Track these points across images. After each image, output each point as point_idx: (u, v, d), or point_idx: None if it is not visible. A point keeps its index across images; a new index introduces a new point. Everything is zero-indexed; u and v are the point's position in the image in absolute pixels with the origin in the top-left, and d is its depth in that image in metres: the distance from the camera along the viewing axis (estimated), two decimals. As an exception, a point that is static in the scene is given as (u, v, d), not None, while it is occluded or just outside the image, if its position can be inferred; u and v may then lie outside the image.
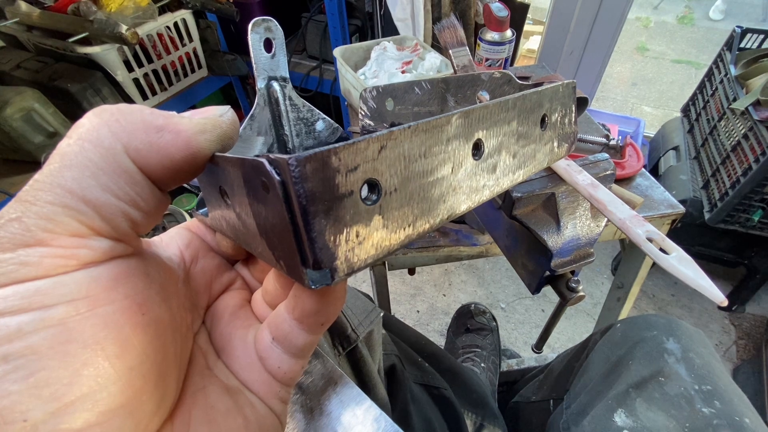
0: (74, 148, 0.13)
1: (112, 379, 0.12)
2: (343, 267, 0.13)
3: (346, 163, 0.12)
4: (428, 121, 0.14)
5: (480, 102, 0.23)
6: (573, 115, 0.21)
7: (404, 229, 0.15)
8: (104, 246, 0.13)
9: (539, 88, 0.19)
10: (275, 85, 0.24)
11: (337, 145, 0.12)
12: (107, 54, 1.06)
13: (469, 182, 0.17)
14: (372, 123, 0.29)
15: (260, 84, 0.23)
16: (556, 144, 0.21)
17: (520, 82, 0.22)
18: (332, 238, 0.13)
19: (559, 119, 0.21)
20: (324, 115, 0.26)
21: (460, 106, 0.25)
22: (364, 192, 0.13)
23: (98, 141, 0.13)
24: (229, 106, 0.16)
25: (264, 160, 0.12)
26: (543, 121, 0.20)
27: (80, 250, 0.13)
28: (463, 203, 0.17)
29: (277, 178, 0.12)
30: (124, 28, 0.97)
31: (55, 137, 1.00)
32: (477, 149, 0.17)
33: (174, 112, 0.15)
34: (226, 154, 0.14)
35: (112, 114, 0.14)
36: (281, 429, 0.19)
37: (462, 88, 0.24)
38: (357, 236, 0.13)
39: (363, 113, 0.29)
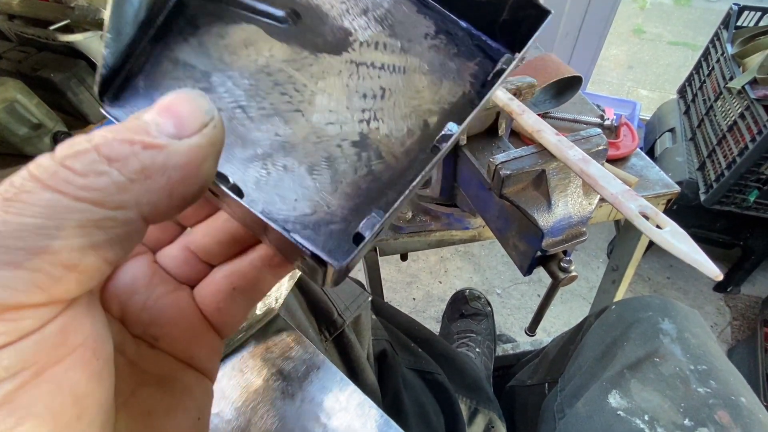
0: (69, 204, 0.10)
1: None
2: (351, 271, 0.15)
3: (377, 230, 0.14)
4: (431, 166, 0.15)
5: None
6: None
7: (387, 227, 0.16)
8: (56, 311, 0.11)
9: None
10: None
11: (376, 228, 0.13)
12: (90, 42, 1.03)
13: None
14: None
15: None
16: None
17: None
18: (351, 268, 0.14)
19: None
20: None
21: None
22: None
23: (103, 200, 0.11)
24: (208, 100, 0.13)
25: (309, 254, 0.13)
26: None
27: (25, 322, 0.10)
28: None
29: (322, 268, 0.13)
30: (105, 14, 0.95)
31: (39, 128, 0.98)
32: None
33: (150, 123, 0.12)
34: (248, 207, 0.13)
35: (104, 167, 0.11)
36: (212, 391, 0.18)
37: None
38: (363, 250, 0.15)
39: None
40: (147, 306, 0.17)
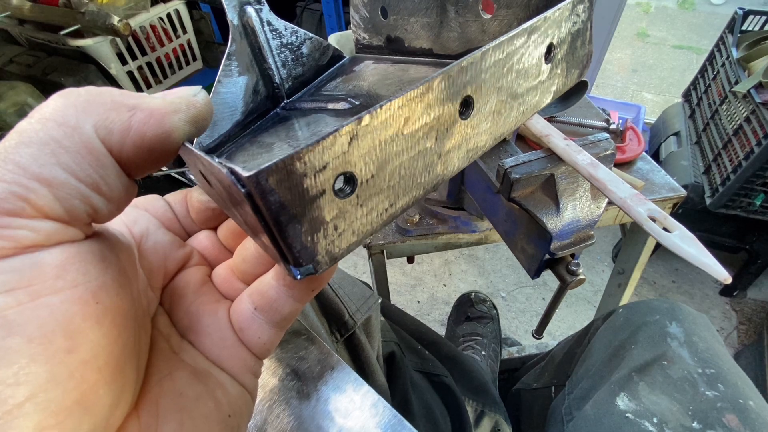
0: (35, 126, 0.12)
1: (65, 376, 0.11)
2: (325, 259, 0.13)
3: (312, 165, 0.12)
4: (404, 96, 0.13)
5: (483, 10, 0.21)
6: (588, 33, 0.19)
7: (386, 210, 0.14)
8: (49, 228, 0.12)
9: (544, 15, 0.16)
10: (249, 10, 0.21)
11: (300, 148, 0.11)
12: (100, 46, 1.04)
13: (457, 144, 0.15)
14: (366, 36, 0.27)
15: (232, 15, 0.21)
16: (564, 73, 0.19)
17: None
18: (309, 239, 0.13)
19: (569, 45, 0.18)
20: (310, 34, 0.24)
21: (461, 18, 0.22)
22: (338, 185, 0.13)
23: (63, 120, 0.12)
24: (201, 86, 0.15)
25: (226, 171, 0.11)
26: (549, 52, 0.17)
27: (19, 231, 0.11)
28: (451, 165, 0.16)
29: (243, 190, 0.11)
30: (115, 20, 0.96)
31: (49, 131, 1.00)
32: (466, 107, 0.15)
33: (145, 93, 0.14)
34: (196, 150, 0.13)
35: (79, 95, 0.13)
36: (252, 405, 0.19)
37: None
38: (335, 229, 0.13)
39: (355, 23, 0.27)
40: (189, 310, 0.18)
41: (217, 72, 0.21)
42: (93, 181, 0.13)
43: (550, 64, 0.17)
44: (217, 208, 0.20)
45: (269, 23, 0.22)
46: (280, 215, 0.12)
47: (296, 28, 0.23)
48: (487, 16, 0.21)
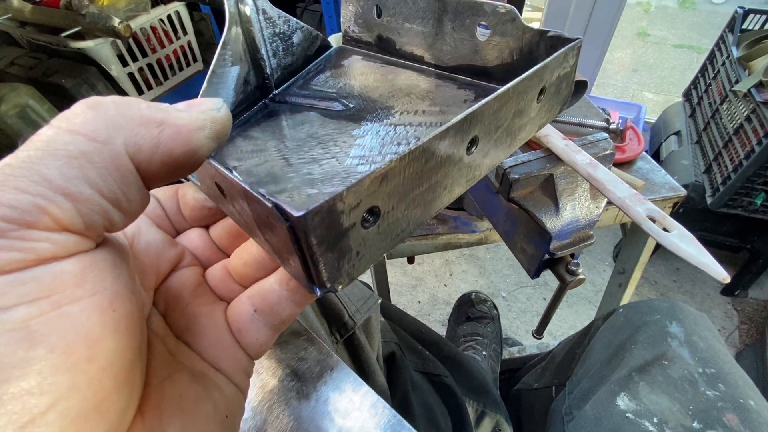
0: (64, 138, 0.12)
1: (84, 384, 0.11)
2: (345, 280, 0.15)
3: (350, 203, 0.13)
4: (427, 141, 0.14)
5: (478, 32, 0.22)
6: (572, 76, 0.21)
7: (398, 235, 0.16)
8: (69, 241, 0.12)
9: (544, 63, 0.18)
10: None
11: (342, 189, 0.12)
12: (101, 48, 1.05)
13: (460, 173, 0.17)
14: (357, 30, 0.27)
15: (229, 1, 0.21)
16: (549, 109, 0.21)
17: (525, 24, 0.20)
18: (336, 264, 0.14)
19: (556, 86, 0.20)
20: (301, 23, 0.24)
21: (456, 34, 0.23)
22: (365, 216, 0.14)
23: (94, 134, 0.12)
24: (221, 99, 0.16)
25: (271, 206, 0.12)
26: (541, 93, 0.19)
27: (40, 243, 0.11)
28: (453, 193, 0.17)
29: (286, 224, 0.12)
30: (116, 22, 0.96)
31: (50, 133, 1.00)
32: (471, 144, 0.17)
33: (168, 105, 0.14)
34: (229, 175, 0.14)
35: (108, 107, 0.13)
36: (244, 403, 0.19)
37: (461, 15, 0.22)
38: (358, 255, 0.15)
39: (346, 15, 0.27)
40: (186, 312, 0.18)
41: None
42: (116, 197, 0.13)
43: (539, 103, 0.19)
44: (213, 207, 0.20)
45: (264, 11, 0.22)
46: (317, 247, 0.13)
47: (288, 16, 0.24)
48: (482, 39, 0.22)
